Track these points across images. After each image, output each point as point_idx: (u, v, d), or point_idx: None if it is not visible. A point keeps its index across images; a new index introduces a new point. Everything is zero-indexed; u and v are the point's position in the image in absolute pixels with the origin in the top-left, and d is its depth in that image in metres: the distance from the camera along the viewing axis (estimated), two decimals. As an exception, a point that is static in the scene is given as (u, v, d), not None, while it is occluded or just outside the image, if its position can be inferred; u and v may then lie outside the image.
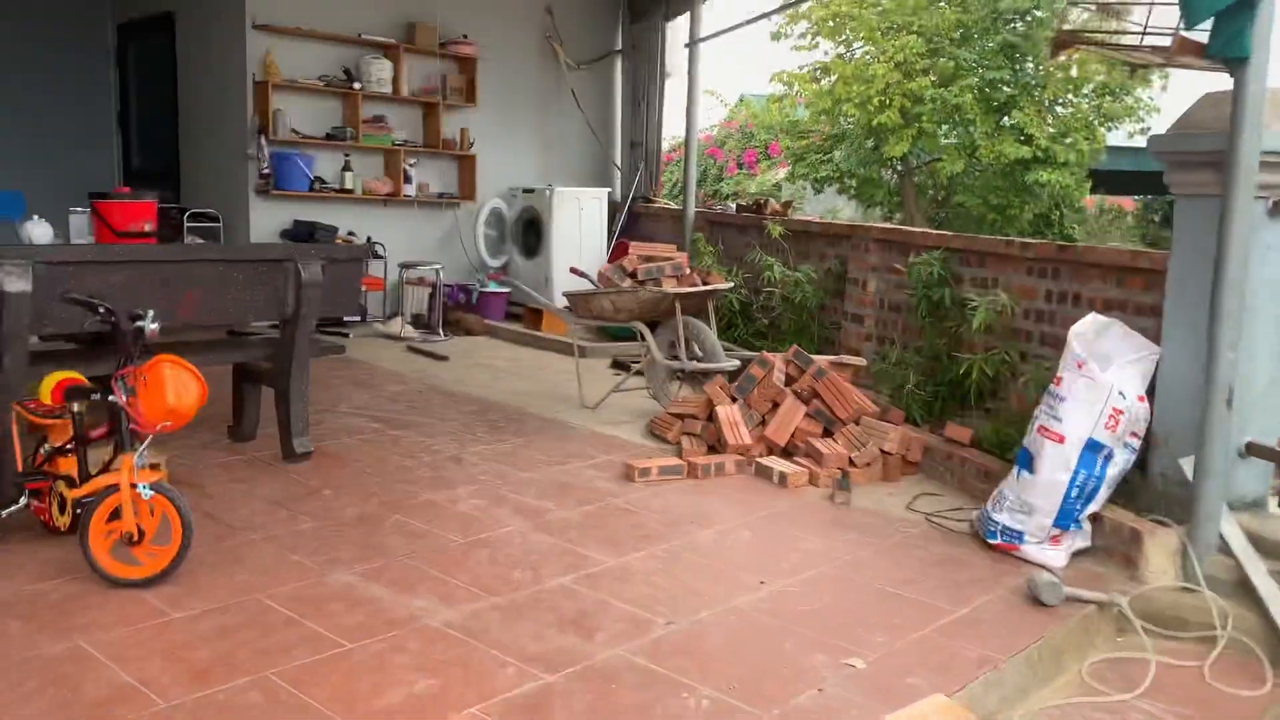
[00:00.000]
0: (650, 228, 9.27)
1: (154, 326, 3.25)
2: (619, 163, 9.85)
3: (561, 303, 7.17)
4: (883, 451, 4.71)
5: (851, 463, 4.64)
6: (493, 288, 8.78)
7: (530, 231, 8.93)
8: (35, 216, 4.91)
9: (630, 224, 9.40)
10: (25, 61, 9.02)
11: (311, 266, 4.35)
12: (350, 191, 8.20)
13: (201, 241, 7.84)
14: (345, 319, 8.06)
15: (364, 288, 4.88)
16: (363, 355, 7.08)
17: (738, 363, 5.48)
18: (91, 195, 4.91)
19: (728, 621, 3.13)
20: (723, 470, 4.67)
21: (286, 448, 4.51)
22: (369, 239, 8.25)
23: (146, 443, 3.19)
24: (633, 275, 5.69)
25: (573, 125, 9.66)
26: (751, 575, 3.50)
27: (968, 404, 5.03)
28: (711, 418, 5.00)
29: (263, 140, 7.71)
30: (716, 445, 4.90)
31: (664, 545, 3.74)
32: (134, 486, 3.07)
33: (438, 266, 8.18)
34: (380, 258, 8.28)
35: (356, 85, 8.11)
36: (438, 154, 8.78)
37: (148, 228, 4.95)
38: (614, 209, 9.35)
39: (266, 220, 7.93)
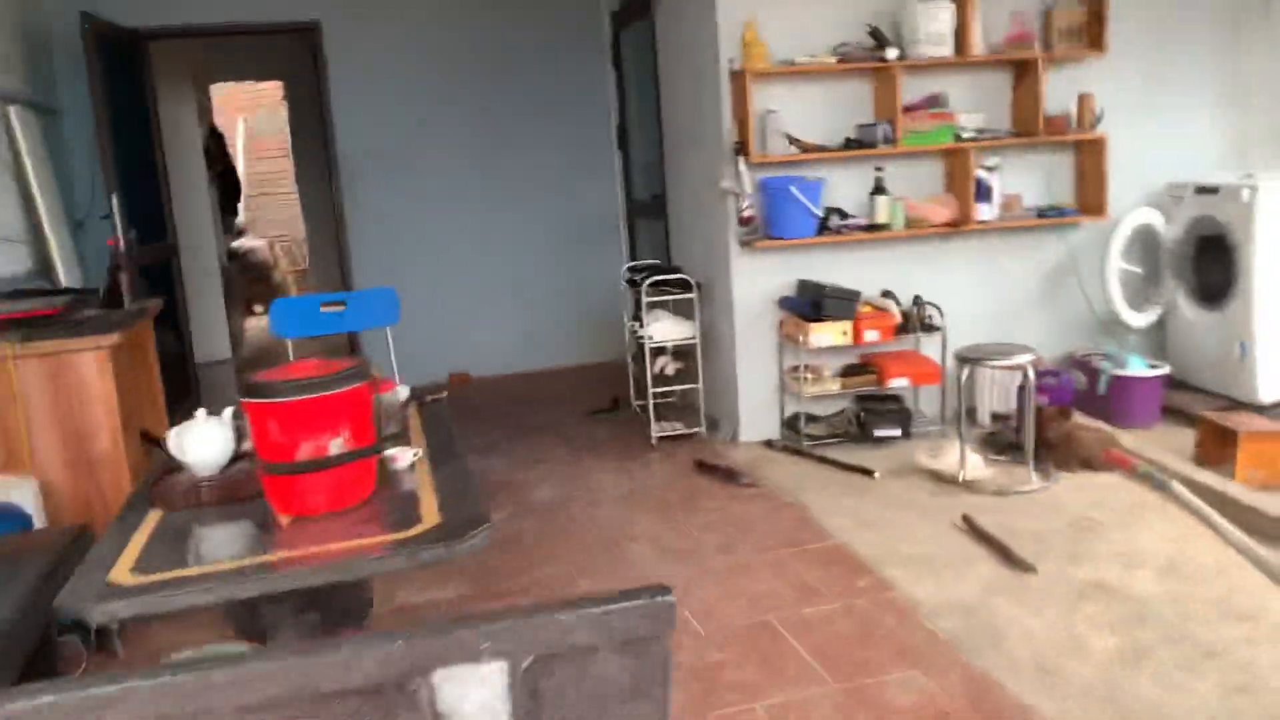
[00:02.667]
0: None
1: None
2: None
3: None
4: None
5: None
6: (1136, 367, 5.07)
7: (1210, 259, 5.06)
8: (202, 412, 2.63)
9: None
10: (514, 70, 7.25)
11: (456, 691, 1.43)
12: (884, 227, 5.10)
13: (667, 323, 5.39)
14: (875, 433, 5.07)
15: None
16: (882, 525, 3.97)
17: None
18: (243, 392, 2.45)
19: None
20: None
21: None
22: (916, 299, 5.11)
23: None
24: None
25: (1295, 57, 5.44)
26: None
27: None
28: None
29: (742, 164, 4.95)
30: None
31: None
32: None
33: (1024, 357, 4.62)
34: (934, 329, 5.09)
35: (891, 53, 4.95)
36: (1034, 145, 5.26)
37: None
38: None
39: (752, 284, 5.19)
